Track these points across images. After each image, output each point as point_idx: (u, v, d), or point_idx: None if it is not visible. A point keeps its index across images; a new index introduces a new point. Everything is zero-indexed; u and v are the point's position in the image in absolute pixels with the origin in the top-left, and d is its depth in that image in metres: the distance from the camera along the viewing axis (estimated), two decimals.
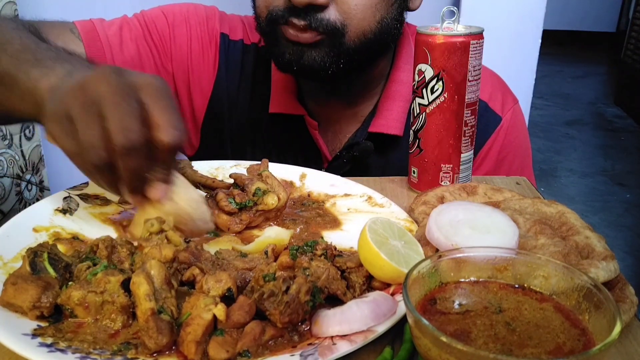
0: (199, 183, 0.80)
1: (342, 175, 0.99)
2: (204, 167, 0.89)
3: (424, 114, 0.83)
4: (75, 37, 0.99)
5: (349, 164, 1.05)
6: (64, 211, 0.74)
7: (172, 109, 0.62)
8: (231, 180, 0.81)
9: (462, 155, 0.84)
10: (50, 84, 0.67)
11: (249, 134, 1.09)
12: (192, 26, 1.07)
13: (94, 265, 0.57)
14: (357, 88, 1.05)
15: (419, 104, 0.83)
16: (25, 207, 1.54)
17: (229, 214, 0.74)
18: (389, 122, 1.04)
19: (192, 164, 0.83)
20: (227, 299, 0.53)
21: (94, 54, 0.99)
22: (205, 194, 0.79)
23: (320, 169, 0.99)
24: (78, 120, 0.59)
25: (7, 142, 1.56)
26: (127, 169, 0.60)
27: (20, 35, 0.80)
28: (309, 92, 1.07)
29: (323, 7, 0.88)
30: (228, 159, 1.07)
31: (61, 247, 0.64)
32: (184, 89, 1.08)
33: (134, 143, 0.58)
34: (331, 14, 0.88)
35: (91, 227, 0.74)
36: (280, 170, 0.88)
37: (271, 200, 0.74)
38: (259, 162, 0.82)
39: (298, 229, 0.75)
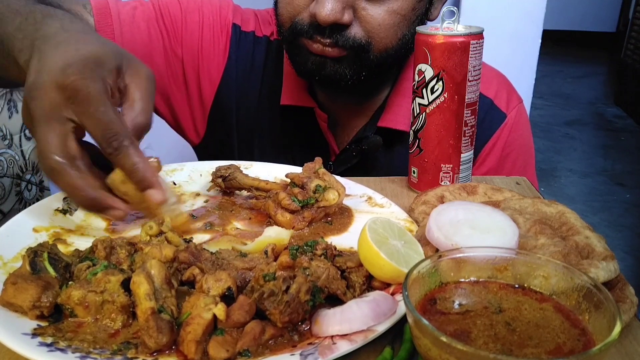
0: (252, 186, 0.82)
1: (349, 169, 0.99)
2: (206, 168, 0.89)
3: (424, 114, 0.83)
4: (87, 12, 0.99)
5: (356, 158, 1.06)
6: (64, 211, 0.74)
7: (100, 114, 0.61)
8: (278, 181, 0.84)
9: (462, 155, 0.84)
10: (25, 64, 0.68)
11: (257, 124, 1.10)
12: (204, 14, 1.08)
13: (94, 265, 0.57)
14: (368, 86, 1.06)
15: (419, 104, 0.83)
16: (25, 207, 1.54)
17: (293, 212, 0.75)
18: (398, 118, 1.05)
19: (240, 168, 0.85)
20: (227, 298, 0.53)
21: (102, 30, 0.99)
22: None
23: (328, 162, 1.00)
24: (38, 126, 0.62)
25: (7, 142, 1.56)
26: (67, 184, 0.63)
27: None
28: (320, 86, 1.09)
29: (347, 26, 0.89)
30: (234, 148, 1.08)
31: (61, 247, 0.64)
32: (193, 75, 1.09)
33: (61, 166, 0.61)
34: (355, 32, 0.90)
35: (90, 227, 0.74)
36: (280, 170, 0.88)
37: (332, 196, 0.76)
38: (308, 162, 0.83)
39: (306, 230, 0.76)
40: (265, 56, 1.11)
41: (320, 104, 1.07)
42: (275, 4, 0.99)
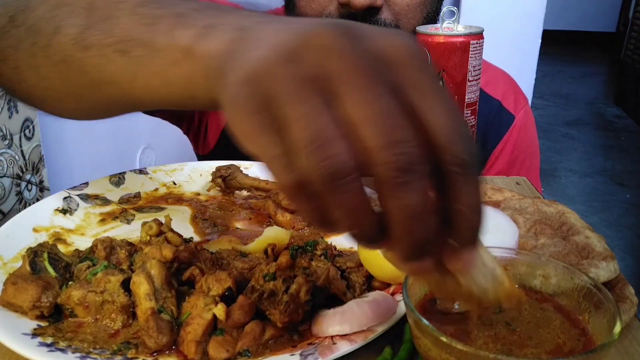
0: (252, 186, 0.81)
1: None
2: (206, 168, 0.89)
3: None
4: None
5: None
6: (64, 211, 0.74)
7: (447, 101, 0.33)
8: None
9: None
10: (221, 48, 0.39)
11: None
12: None
13: (94, 265, 0.57)
14: None
15: None
16: (25, 207, 1.54)
17: (293, 212, 0.75)
18: None
19: (240, 168, 0.84)
20: (227, 298, 0.53)
21: None
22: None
23: None
24: (294, 107, 0.32)
25: (7, 142, 1.56)
26: (406, 214, 0.33)
27: None
28: None
29: (378, 10, 0.89)
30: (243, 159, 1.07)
31: (61, 247, 0.64)
32: None
33: (416, 173, 0.32)
34: (385, 16, 0.90)
35: (91, 227, 0.74)
36: None
37: None
38: None
39: (306, 230, 0.76)
40: None
41: None
42: (290, 4, 0.98)
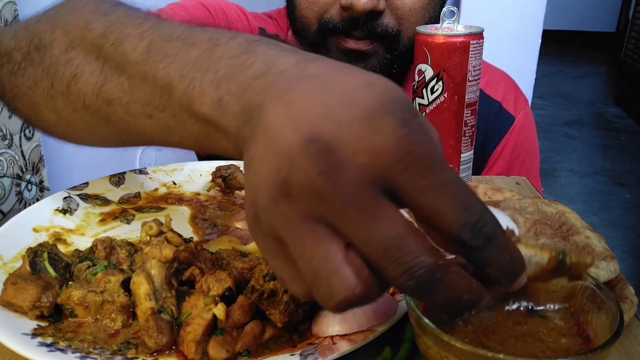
0: None
1: None
2: (206, 168, 0.89)
3: (423, 114, 0.83)
4: None
5: None
6: (64, 211, 0.74)
7: (448, 188, 0.33)
8: None
9: (462, 155, 0.84)
10: (235, 126, 0.37)
11: None
12: (232, 20, 1.06)
13: (94, 265, 0.57)
14: None
15: (419, 104, 0.83)
16: (25, 207, 1.54)
17: None
18: None
19: (240, 168, 0.84)
20: (227, 298, 0.53)
21: None
22: None
23: None
24: (297, 247, 0.33)
25: (7, 142, 1.56)
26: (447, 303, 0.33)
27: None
28: None
29: (380, 14, 0.89)
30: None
31: (61, 247, 0.64)
32: None
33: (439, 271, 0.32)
34: (388, 21, 0.90)
35: (91, 227, 0.74)
36: None
37: None
38: None
39: None
40: None
41: None
42: (291, 7, 0.96)
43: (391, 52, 0.93)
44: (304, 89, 0.33)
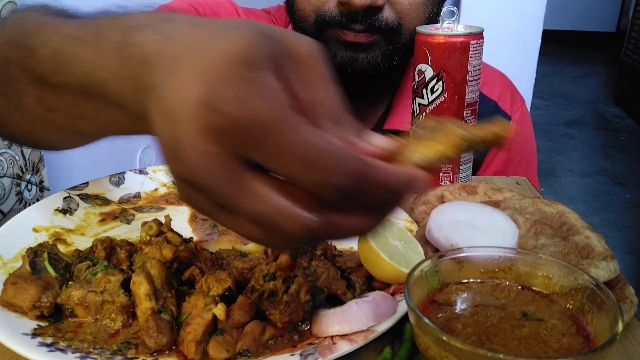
0: None
1: None
2: None
3: (423, 114, 0.83)
4: None
5: None
6: (64, 211, 0.74)
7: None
8: None
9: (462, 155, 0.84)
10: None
11: None
12: (221, 18, 1.05)
13: (94, 265, 0.57)
14: (374, 89, 1.05)
15: (419, 104, 0.83)
16: (25, 207, 1.54)
17: None
18: (405, 119, 1.03)
19: None
20: (227, 298, 0.53)
21: None
22: None
23: None
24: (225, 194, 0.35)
25: (7, 142, 1.56)
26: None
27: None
28: None
29: (380, 9, 0.89)
30: None
31: (61, 247, 0.64)
32: None
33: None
34: (388, 15, 0.90)
35: (91, 227, 0.74)
36: None
37: None
38: None
39: None
40: None
41: None
42: (290, 1, 0.96)
43: (392, 44, 0.93)
44: (172, 72, 0.36)
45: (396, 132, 1.04)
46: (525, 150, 1.10)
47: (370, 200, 0.37)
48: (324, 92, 0.40)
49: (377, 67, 0.93)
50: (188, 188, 0.37)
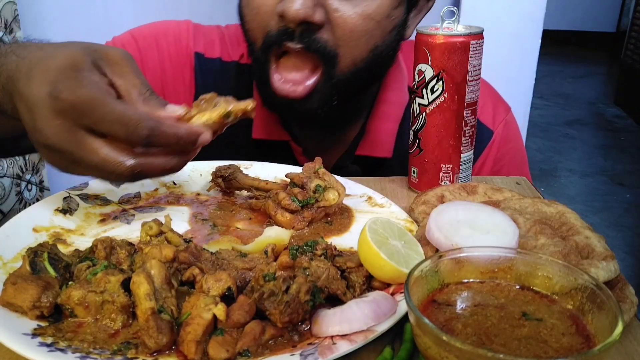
0: (252, 186, 0.82)
1: None
2: (206, 168, 0.89)
3: (424, 114, 0.83)
4: None
5: None
6: (64, 211, 0.74)
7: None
8: (278, 181, 0.84)
9: (462, 155, 0.84)
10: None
11: (231, 159, 0.95)
12: (162, 49, 1.01)
13: (94, 265, 0.57)
14: (344, 114, 1.01)
15: (419, 104, 0.83)
16: (25, 207, 1.54)
17: (292, 212, 0.75)
18: (377, 145, 1.00)
19: (240, 168, 0.85)
20: (227, 298, 0.53)
21: None
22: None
23: None
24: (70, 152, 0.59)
25: None
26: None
27: None
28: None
29: (318, 28, 0.83)
30: None
31: (61, 247, 0.64)
32: None
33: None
34: (327, 37, 0.84)
35: (91, 227, 0.74)
36: (280, 170, 0.88)
37: (332, 196, 0.76)
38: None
39: (306, 230, 0.76)
40: (236, 84, 1.02)
41: (295, 135, 1.02)
42: (242, 19, 0.91)
43: (328, 85, 0.86)
44: (26, 82, 0.60)
45: (369, 158, 1.00)
46: (512, 161, 1.06)
47: (167, 144, 0.61)
48: (133, 80, 0.63)
49: (317, 112, 0.88)
50: (48, 152, 0.60)
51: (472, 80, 0.81)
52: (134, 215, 0.77)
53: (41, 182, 1.76)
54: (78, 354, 0.48)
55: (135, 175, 0.61)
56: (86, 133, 0.58)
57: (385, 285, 0.60)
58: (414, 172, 0.88)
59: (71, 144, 0.58)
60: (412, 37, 0.85)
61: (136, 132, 0.58)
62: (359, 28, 0.84)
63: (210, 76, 1.03)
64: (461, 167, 0.85)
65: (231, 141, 1.01)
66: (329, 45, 0.84)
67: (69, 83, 0.57)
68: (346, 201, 0.81)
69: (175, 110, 0.64)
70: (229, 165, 0.84)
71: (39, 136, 0.59)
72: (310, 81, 0.87)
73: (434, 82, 0.80)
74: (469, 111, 0.82)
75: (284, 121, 1.02)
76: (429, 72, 0.80)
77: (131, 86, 0.63)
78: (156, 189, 0.85)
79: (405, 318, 0.54)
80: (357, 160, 1.02)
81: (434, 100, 0.81)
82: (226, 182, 0.83)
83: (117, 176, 0.60)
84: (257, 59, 0.90)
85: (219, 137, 1.02)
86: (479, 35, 0.79)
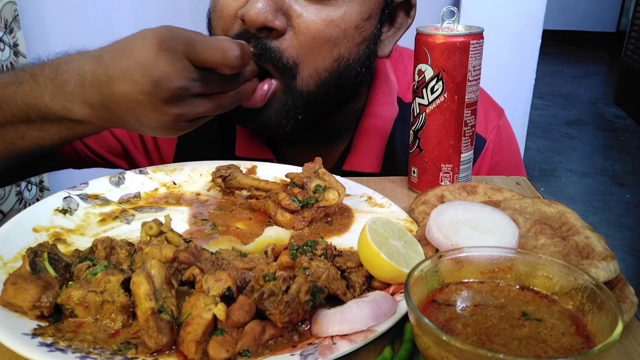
0: (252, 186, 0.82)
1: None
2: (206, 168, 0.89)
3: (424, 114, 0.83)
4: None
5: None
6: (64, 211, 0.74)
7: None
8: (278, 181, 0.84)
9: (462, 155, 0.84)
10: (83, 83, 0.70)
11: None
12: None
13: (94, 265, 0.57)
14: (327, 130, 0.98)
15: (419, 104, 0.83)
16: (25, 207, 1.54)
17: (292, 212, 0.75)
18: (364, 160, 0.99)
19: (240, 168, 0.85)
20: (227, 298, 0.53)
21: None
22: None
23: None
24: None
25: None
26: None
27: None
28: None
29: (279, 35, 0.80)
30: None
31: (61, 247, 0.64)
32: (149, 137, 1.02)
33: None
34: (284, 47, 0.81)
35: (91, 227, 0.74)
36: (280, 170, 0.88)
37: (332, 196, 0.76)
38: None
39: (306, 230, 0.76)
40: None
41: (279, 153, 1.00)
42: (208, 24, 0.89)
43: (290, 96, 0.83)
44: (110, 66, 0.70)
45: (357, 174, 0.97)
46: (507, 167, 1.04)
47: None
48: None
49: (280, 124, 0.86)
50: (168, 108, 0.69)
51: (472, 80, 0.81)
52: (134, 215, 0.77)
53: (41, 182, 1.76)
54: (78, 354, 0.48)
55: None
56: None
57: (385, 285, 0.60)
58: (414, 172, 0.88)
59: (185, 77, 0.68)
60: (411, 36, 0.85)
61: (231, 52, 0.69)
62: (322, 34, 0.81)
63: None
64: (461, 167, 0.85)
65: (224, 158, 0.94)
66: (284, 56, 0.81)
67: (167, 37, 0.68)
68: (346, 201, 0.81)
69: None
70: (229, 165, 0.84)
71: (160, 83, 0.67)
72: (264, 88, 0.83)
73: (434, 82, 0.80)
74: (469, 111, 0.82)
75: (267, 139, 1.00)
76: (429, 72, 0.80)
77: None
78: (156, 189, 0.85)
79: (405, 318, 0.54)
80: (345, 175, 0.99)
81: (434, 100, 0.81)
82: (226, 182, 0.83)
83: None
84: None
85: (211, 155, 1.00)
86: (479, 35, 0.79)
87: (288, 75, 0.83)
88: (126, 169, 1.06)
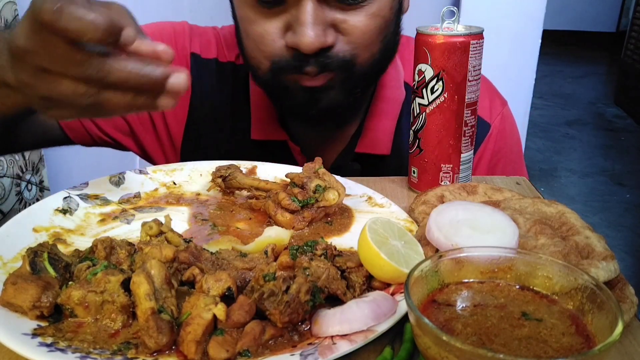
0: (252, 186, 0.82)
1: None
2: (206, 168, 0.89)
3: (424, 114, 0.83)
4: None
5: None
6: (64, 211, 0.74)
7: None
8: (278, 181, 0.84)
9: (462, 155, 0.84)
10: None
11: (229, 158, 0.95)
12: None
13: (94, 265, 0.57)
14: (344, 111, 1.00)
15: (419, 104, 0.83)
16: (25, 207, 1.54)
17: (292, 212, 0.75)
18: (376, 142, 1.01)
19: (240, 168, 0.85)
20: (227, 298, 0.53)
21: None
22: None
23: None
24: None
25: None
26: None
27: None
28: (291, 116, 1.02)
29: (331, 47, 0.84)
30: None
31: (61, 247, 0.64)
32: (157, 115, 1.03)
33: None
34: (340, 48, 0.85)
35: (91, 227, 0.74)
36: (280, 170, 0.88)
37: (332, 196, 0.76)
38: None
39: (306, 230, 0.76)
40: (233, 85, 1.03)
41: (293, 134, 1.02)
42: (241, 48, 0.92)
43: (350, 79, 0.87)
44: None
45: (368, 155, 1.01)
46: (509, 154, 1.07)
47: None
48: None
49: (341, 103, 0.90)
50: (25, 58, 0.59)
51: (472, 80, 0.81)
52: (134, 215, 0.77)
53: (41, 182, 1.76)
54: (78, 354, 0.48)
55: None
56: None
57: (385, 285, 0.60)
58: (414, 172, 0.88)
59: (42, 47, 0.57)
60: (411, 35, 0.85)
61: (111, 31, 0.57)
62: (369, 28, 0.85)
63: (207, 77, 1.04)
64: (461, 167, 0.85)
65: (233, 140, 1.02)
66: (342, 55, 0.85)
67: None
68: (346, 201, 0.81)
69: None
70: (229, 165, 0.84)
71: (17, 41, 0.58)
72: (332, 73, 0.88)
73: (434, 82, 0.80)
74: (469, 111, 0.82)
75: (281, 120, 1.02)
76: (429, 72, 0.80)
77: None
78: (156, 189, 0.85)
79: (405, 318, 0.54)
80: (357, 157, 1.02)
81: (434, 100, 0.81)
82: (226, 182, 0.83)
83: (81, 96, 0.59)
84: (264, 81, 0.91)
85: (222, 137, 1.02)
86: (479, 35, 0.79)
87: (348, 67, 0.87)
88: (134, 151, 1.08)
